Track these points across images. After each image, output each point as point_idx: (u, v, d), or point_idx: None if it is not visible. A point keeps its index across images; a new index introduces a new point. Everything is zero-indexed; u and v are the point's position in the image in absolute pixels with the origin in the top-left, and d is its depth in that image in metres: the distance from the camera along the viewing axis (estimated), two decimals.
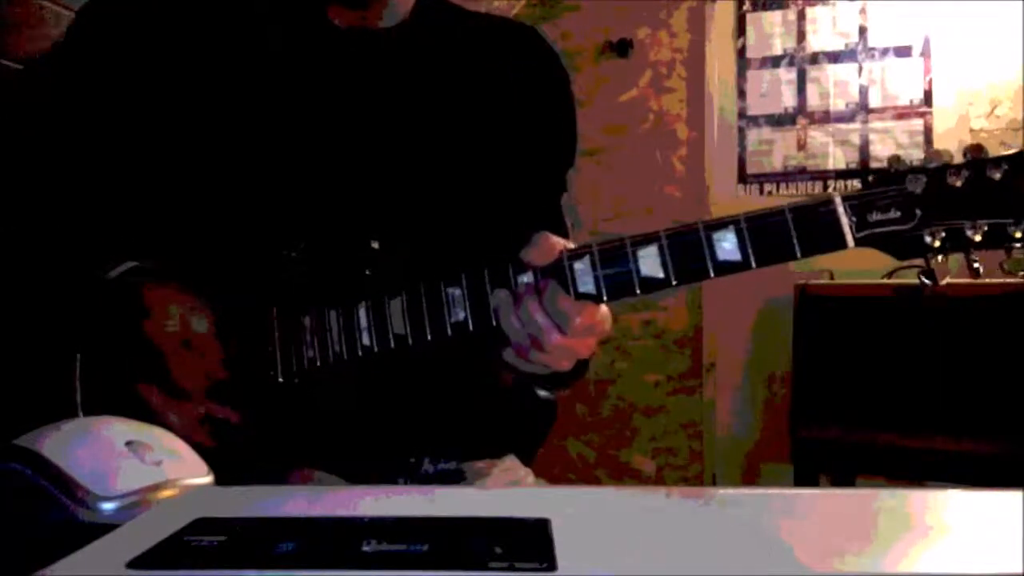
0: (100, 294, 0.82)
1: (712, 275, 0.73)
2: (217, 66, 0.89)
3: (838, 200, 0.70)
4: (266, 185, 0.88)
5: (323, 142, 0.90)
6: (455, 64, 0.97)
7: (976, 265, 0.70)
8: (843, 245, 0.70)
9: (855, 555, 0.41)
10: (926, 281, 0.72)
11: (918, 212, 0.70)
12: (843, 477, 2.47)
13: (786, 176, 2.98)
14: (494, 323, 0.76)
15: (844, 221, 0.70)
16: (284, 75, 0.90)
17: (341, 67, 0.92)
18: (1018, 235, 0.68)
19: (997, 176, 0.68)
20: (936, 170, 0.70)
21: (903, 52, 2.83)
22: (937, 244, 0.70)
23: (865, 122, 2.85)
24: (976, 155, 0.69)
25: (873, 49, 2.87)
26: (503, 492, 0.80)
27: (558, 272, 0.75)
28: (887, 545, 0.43)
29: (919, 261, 0.72)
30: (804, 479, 2.47)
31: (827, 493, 0.88)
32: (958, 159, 0.70)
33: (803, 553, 0.41)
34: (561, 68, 1.04)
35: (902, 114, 2.80)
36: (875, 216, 0.70)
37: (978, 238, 0.69)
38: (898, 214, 0.70)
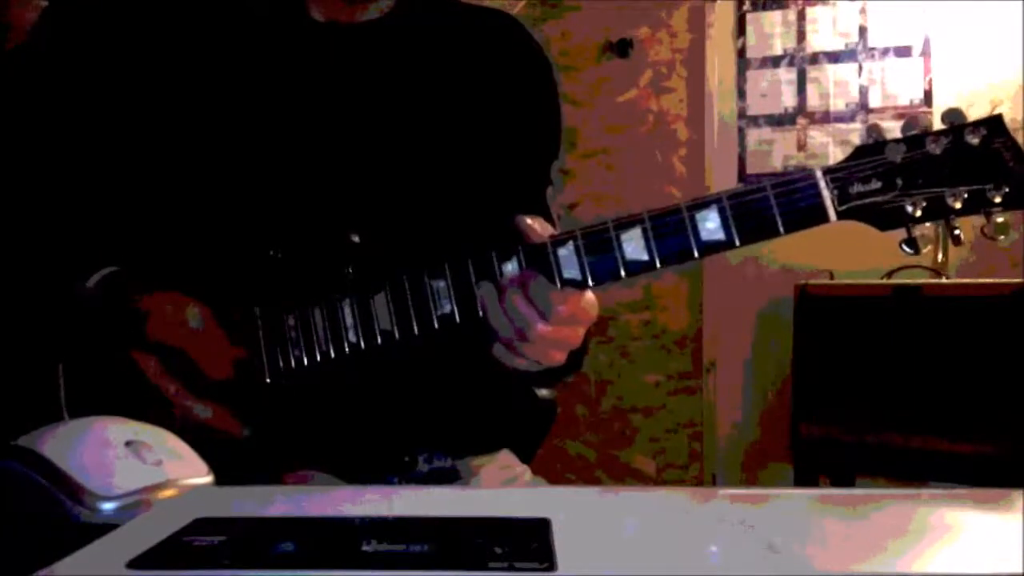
0: (83, 302, 0.82)
1: (697, 256, 0.72)
2: (194, 65, 0.88)
3: (819, 174, 0.70)
4: (244, 184, 0.88)
5: (302, 137, 0.90)
6: (436, 55, 0.96)
7: (957, 232, 0.70)
8: (825, 219, 0.70)
9: (855, 555, 0.41)
10: (908, 250, 0.71)
11: (898, 181, 0.70)
12: (843, 477, 2.47)
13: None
14: (480, 315, 0.76)
15: (826, 195, 0.70)
16: (262, 71, 0.90)
17: (320, 62, 0.92)
18: (998, 200, 0.68)
19: (975, 141, 0.68)
20: (915, 138, 0.70)
21: (903, 52, 2.83)
22: (919, 213, 0.69)
23: (865, 122, 2.85)
24: (954, 121, 0.69)
25: (873, 49, 2.87)
26: (503, 492, 0.80)
27: (542, 259, 0.74)
28: (887, 545, 0.43)
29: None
30: (804, 479, 2.47)
31: (827, 493, 0.88)
32: (938, 127, 0.70)
33: (803, 553, 0.41)
34: (544, 59, 1.03)
35: (902, 114, 2.80)
36: (856, 188, 0.70)
37: (958, 205, 0.68)
38: (879, 185, 0.70)
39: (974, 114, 0.70)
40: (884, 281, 2.32)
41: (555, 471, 3.19)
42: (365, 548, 0.40)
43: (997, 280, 2.15)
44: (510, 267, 0.76)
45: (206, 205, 0.87)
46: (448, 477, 0.93)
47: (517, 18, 1.05)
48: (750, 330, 2.97)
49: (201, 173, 0.87)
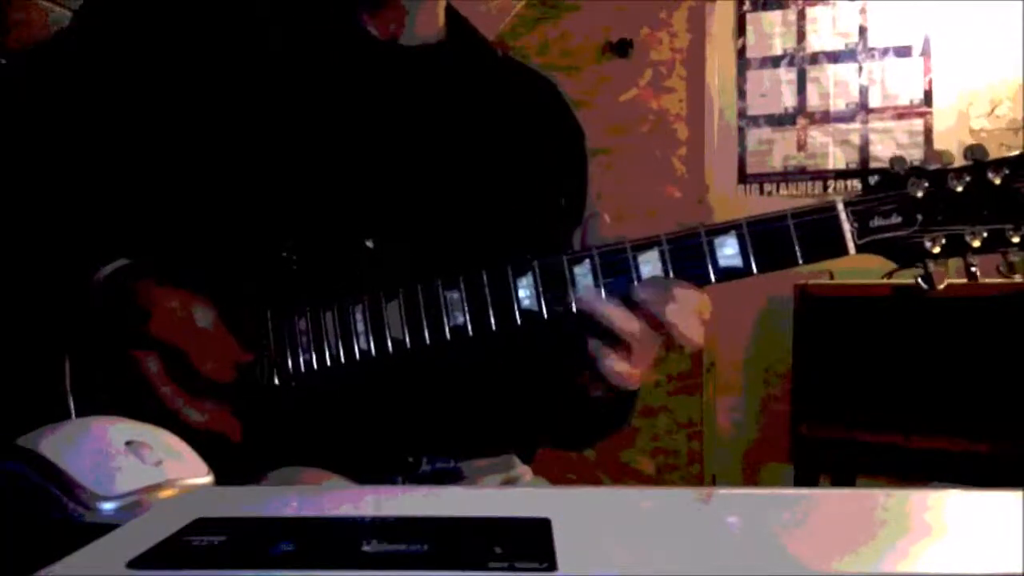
0: (91, 294, 0.81)
1: (713, 281, 0.72)
2: (219, 64, 0.88)
3: (840, 206, 0.70)
4: (263, 184, 0.87)
5: (328, 143, 0.90)
6: (479, 91, 0.99)
7: (973, 269, 0.70)
8: (844, 252, 0.70)
9: (855, 555, 0.41)
10: (923, 285, 0.72)
11: (919, 217, 0.69)
12: (843, 477, 2.47)
13: (786, 176, 2.98)
14: (493, 328, 0.76)
15: (846, 228, 0.70)
16: (288, 75, 0.90)
17: (361, 73, 0.92)
18: (1016, 240, 0.68)
19: (997, 181, 0.68)
20: (937, 174, 0.69)
21: (903, 52, 2.83)
22: (937, 250, 0.69)
23: (865, 122, 2.85)
24: (977, 158, 0.69)
25: (873, 49, 2.87)
26: (503, 492, 0.80)
27: (558, 276, 0.74)
28: (887, 545, 0.43)
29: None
30: (804, 479, 2.47)
31: (827, 493, 0.88)
32: (958, 160, 0.70)
33: (803, 553, 0.41)
34: (580, 129, 1.07)
35: (902, 114, 2.80)
36: (876, 222, 0.70)
37: (977, 243, 0.69)
38: (899, 219, 0.70)
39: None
40: (884, 281, 2.32)
41: (555, 471, 3.18)
42: (365, 548, 0.40)
43: (997, 280, 2.14)
44: (525, 281, 0.76)
45: (223, 203, 0.87)
46: (451, 477, 0.93)
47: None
48: (750, 330, 2.97)
49: (222, 172, 0.87)
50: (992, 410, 2.12)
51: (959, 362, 2.18)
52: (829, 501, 0.55)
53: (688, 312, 0.72)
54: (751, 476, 2.97)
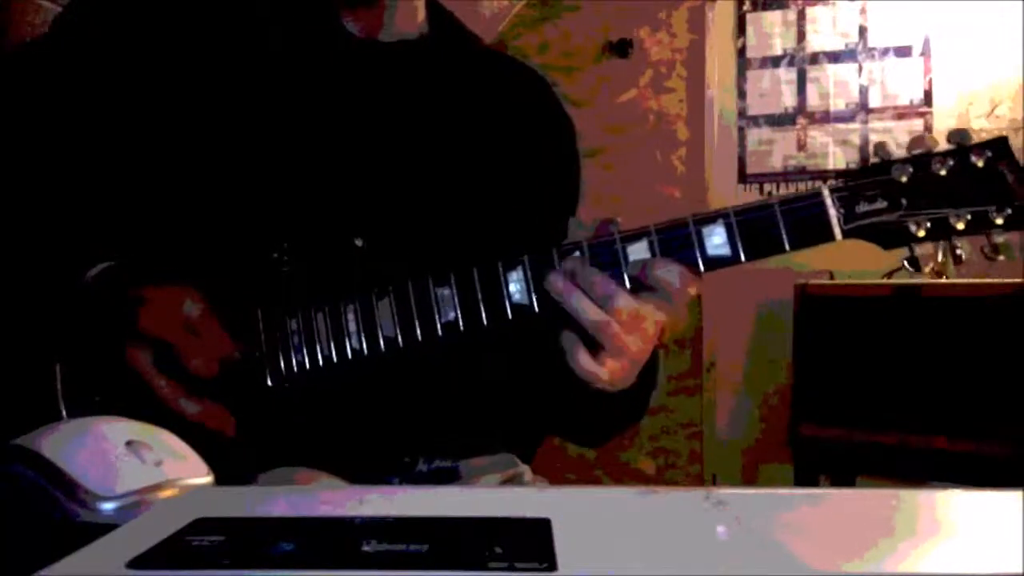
0: (79, 295, 0.81)
1: (702, 270, 0.73)
2: (210, 65, 0.88)
3: (826, 193, 0.71)
4: (251, 185, 0.87)
5: (315, 142, 0.89)
6: (466, 89, 0.98)
7: (958, 252, 0.71)
8: (831, 238, 0.71)
9: (855, 555, 0.41)
10: (910, 268, 0.73)
11: (904, 202, 0.70)
12: (843, 477, 2.47)
13: (786, 176, 2.98)
14: (485, 323, 0.76)
15: (832, 214, 0.71)
16: (279, 75, 0.90)
17: (344, 72, 0.92)
18: (999, 221, 0.69)
19: (980, 163, 0.69)
20: (921, 158, 0.71)
21: (903, 52, 2.83)
22: (922, 233, 0.70)
23: (865, 122, 2.86)
24: (960, 142, 0.70)
25: (873, 49, 2.87)
26: (503, 492, 0.80)
27: (548, 269, 0.75)
28: (887, 545, 0.43)
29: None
30: (804, 479, 2.47)
31: (827, 493, 0.88)
32: (943, 145, 0.71)
33: (803, 553, 0.41)
34: (568, 119, 1.07)
35: (902, 114, 2.80)
36: (862, 207, 0.71)
37: (961, 226, 0.70)
38: (884, 204, 0.71)
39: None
40: (884, 281, 2.32)
41: (555, 471, 3.18)
42: (365, 548, 0.40)
43: (997, 280, 2.15)
44: (516, 276, 0.76)
45: (212, 205, 0.87)
46: (449, 477, 0.93)
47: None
48: (750, 330, 2.97)
49: (209, 173, 0.87)
50: (992, 410, 2.12)
51: (959, 362, 2.18)
52: (830, 501, 0.55)
53: (648, 313, 0.73)
54: (751, 476, 2.97)
